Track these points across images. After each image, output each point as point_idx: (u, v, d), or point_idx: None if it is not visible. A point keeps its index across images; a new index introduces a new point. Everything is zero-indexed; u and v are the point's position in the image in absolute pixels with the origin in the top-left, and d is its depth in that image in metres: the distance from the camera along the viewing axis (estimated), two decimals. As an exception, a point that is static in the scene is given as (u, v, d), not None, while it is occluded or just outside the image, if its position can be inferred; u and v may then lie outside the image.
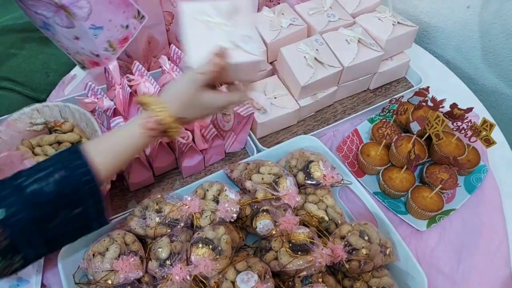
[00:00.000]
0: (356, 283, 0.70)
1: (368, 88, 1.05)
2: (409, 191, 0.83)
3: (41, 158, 0.77)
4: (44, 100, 1.04)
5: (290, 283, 0.69)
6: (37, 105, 0.82)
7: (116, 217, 0.75)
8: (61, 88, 1.05)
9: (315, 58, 0.89)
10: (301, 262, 0.66)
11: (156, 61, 1.02)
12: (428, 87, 0.88)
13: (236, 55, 0.60)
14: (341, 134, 0.97)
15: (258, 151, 0.88)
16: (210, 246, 0.66)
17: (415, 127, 0.82)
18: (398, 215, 0.83)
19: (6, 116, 0.82)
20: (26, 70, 1.07)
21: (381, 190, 0.87)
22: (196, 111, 0.61)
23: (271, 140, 0.94)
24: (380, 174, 0.86)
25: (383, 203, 0.85)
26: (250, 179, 0.76)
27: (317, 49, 0.91)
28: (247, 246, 0.77)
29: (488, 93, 1.20)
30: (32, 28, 1.16)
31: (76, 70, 1.05)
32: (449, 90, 1.04)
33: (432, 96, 0.86)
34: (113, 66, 0.83)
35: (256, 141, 0.89)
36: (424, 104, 0.87)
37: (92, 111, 0.84)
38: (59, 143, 0.81)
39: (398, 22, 0.98)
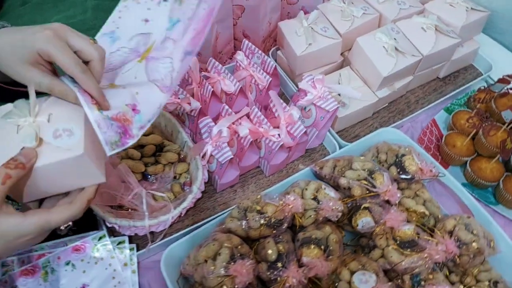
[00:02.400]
0: (466, 278, 0.69)
1: (437, 77, 1.02)
2: (501, 180, 0.81)
3: (129, 162, 0.75)
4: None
5: (399, 280, 0.67)
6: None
7: (209, 221, 0.73)
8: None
9: (395, 48, 0.86)
10: (415, 260, 0.65)
11: (221, 56, 0.99)
12: (514, 73, 0.86)
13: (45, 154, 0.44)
14: (419, 125, 0.94)
15: (340, 146, 0.86)
16: (322, 247, 0.64)
17: (508, 115, 0.79)
18: (490, 206, 0.81)
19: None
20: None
21: (469, 181, 0.85)
22: None
23: (347, 134, 0.92)
24: (468, 164, 0.84)
25: (473, 194, 0.83)
26: (343, 176, 0.74)
27: (395, 38, 0.88)
28: (346, 244, 0.75)
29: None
30: (84, 28, 1.13)
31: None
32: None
33: (522, 82, 0.84)
34: (193, 62, 0.80)
35: (337, 136, 0.87)
36: (510, 91, 0.85)
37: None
38: (141, 146, 0.79)
39: (471, 8, 0.95)
